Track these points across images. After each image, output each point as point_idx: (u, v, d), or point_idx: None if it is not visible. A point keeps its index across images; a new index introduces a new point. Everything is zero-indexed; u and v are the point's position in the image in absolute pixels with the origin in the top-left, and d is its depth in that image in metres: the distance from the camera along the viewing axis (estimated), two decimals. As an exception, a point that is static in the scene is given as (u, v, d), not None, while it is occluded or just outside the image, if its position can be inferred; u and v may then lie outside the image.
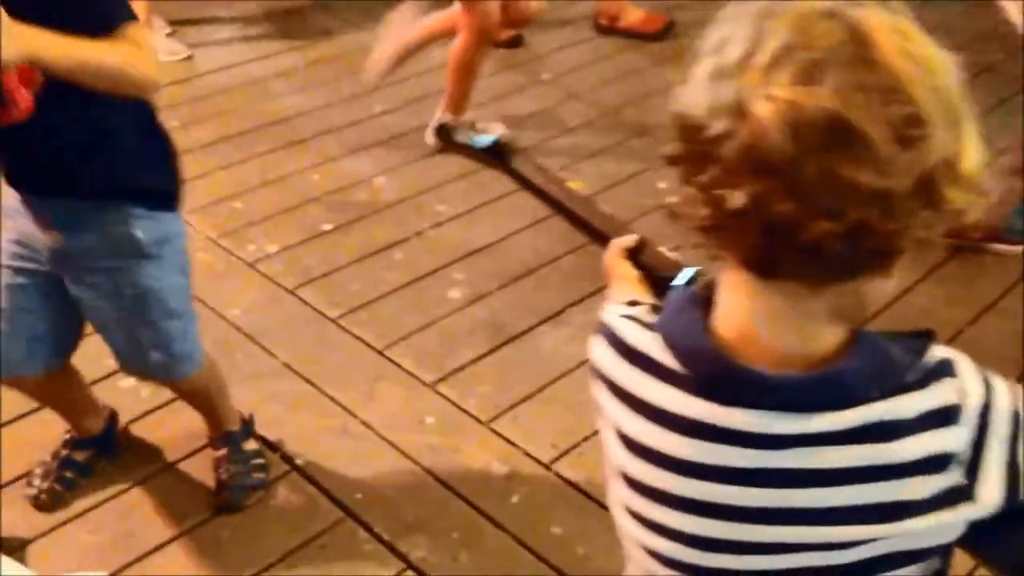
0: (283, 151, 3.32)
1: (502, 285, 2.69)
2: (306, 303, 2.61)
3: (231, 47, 4.02)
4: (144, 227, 1.65)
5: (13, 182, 1.65)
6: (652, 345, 0.83)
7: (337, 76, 3.81)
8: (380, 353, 2.44)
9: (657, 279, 1.18)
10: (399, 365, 2.40)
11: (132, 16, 1.47)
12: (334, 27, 4.19)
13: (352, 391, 2.31)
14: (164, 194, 1.69)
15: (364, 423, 2.22)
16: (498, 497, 2.03)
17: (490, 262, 2.79)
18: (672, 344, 0.82)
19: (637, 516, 0.88)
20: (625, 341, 0.86)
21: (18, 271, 1.72)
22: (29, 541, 1.93)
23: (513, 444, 2.16)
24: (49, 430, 2.11)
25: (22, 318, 1.74)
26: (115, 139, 1.59)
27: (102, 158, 1.59)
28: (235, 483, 2.01)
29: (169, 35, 3.96)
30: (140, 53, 1.44)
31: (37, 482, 2.00)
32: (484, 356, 2.43)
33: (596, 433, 2.16)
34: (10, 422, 2.19)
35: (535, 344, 2.48)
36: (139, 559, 1.89)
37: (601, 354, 0.88)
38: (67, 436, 2.06)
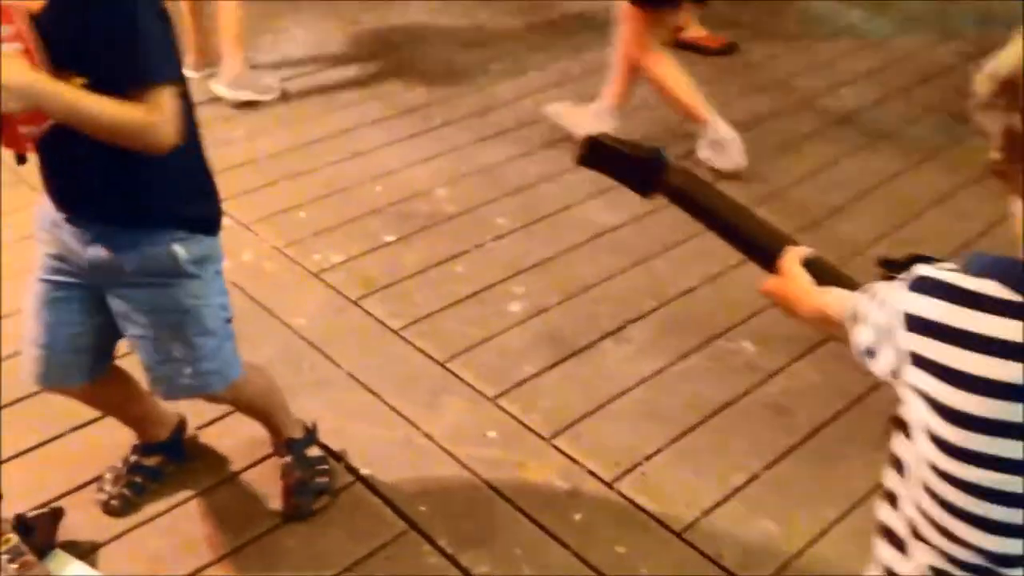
0: (347, 162, 3.36)
1: (562, 300, 2.70)
2: (369, 313, 2.64)
3: (297, 58, 4.07)
4: (185, 246, 1.68)
5: (55, 201, 1.69)
6: (988, 287, 0.90)
7: (400, 87, 3.85)
8: (442, 365, 2.45)
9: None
10: (461, 378, 2.41)
11: (165, 77, 1.51)
12: (400, 41, 4.24)
13: (415, 403, 2.32)
14: (203, 220, 1.73)
15: (427, 435, 2.23)
16: (561, 514, 2.03)
17: (550, 276, 2.80)
18: (1017, 280, 0.89)
19: (962, 472, 0.93)
20: (962, 287, 0.91)
21: (58, 285, 1.75)
22: (100, 545, 1.96)
23: (575, 461, 2.16)
24: (119, 435, 2.15)
25: (63, 332, 1.78)
26: (151, 169, 1.60)
27: (139, 188, 1.64)
28: (301, 488, 2.03)
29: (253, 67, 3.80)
30: (153, 118, 1.48)
31: (108, 487, 2.04)
32: (545, 371, 2.43)
33: (659, 452, 2.18)
34: (82, 427, 2.23)
35: (597, 360, 2.48)
36: (207, 565, 1.92)
37: (928, 304, 0.93)
38: (137, 442, 2.10)
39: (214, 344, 1.78)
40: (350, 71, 3.99)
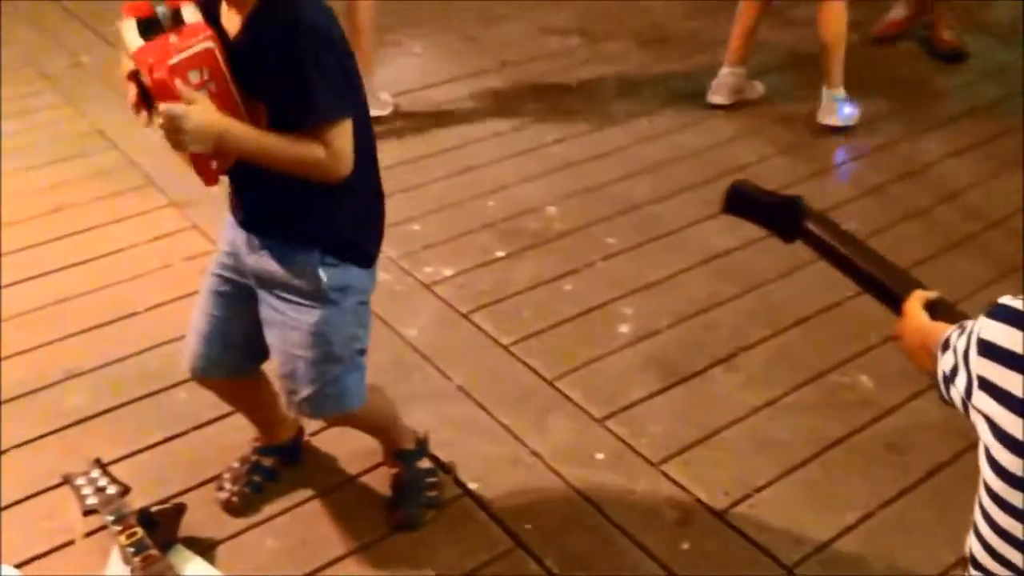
0: (459, 177, 3.40)
1: (672, 323, 2.68)
2: (479, 328, 2.67)
3: (411, 72, 4.14)
4: (330, 273, 1.74)
5: (232, 205, 1.82)
6: None
7: (514, 103, 3.89)
8: (550, 384, 2.46)
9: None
10: (569, 398, 2.41)
11: (338, 114, 1.58)
12: (515, 57, 4.28)
13: (523, 420, 2.34)
14: (356, 251, 1.78)
15: (534, 453, 2.25)
16: (668, 541, 2.02)
17: (660, 298, 2.79)
18: None
19: None
20: None
21: (224, 280, 1.86)
22: (218, 542, 2.03)
23: (684, 488, 2.14)
24: (237, 436, 2.23)
25: (219, 324, 1.88)
26: (317, 195, 1.69)
27: (303, 210, 1.71)
28: (411, 500, 2.06)
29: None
30: (326, 154, 1.59)
31: (227, 485, 2.10)
32: (654, 395, 2.42)
33: (769, 484, 2.15)
34: (202, 426, 2.32)
35: (706, 387, 2.46)
36: (318, 570, 1.97)
37: (999, 330, 0.96)
38: (256, 443, 2.16)
39: (337, 372, 1.81)
40: (464, 86, 4.05)
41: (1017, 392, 0.93)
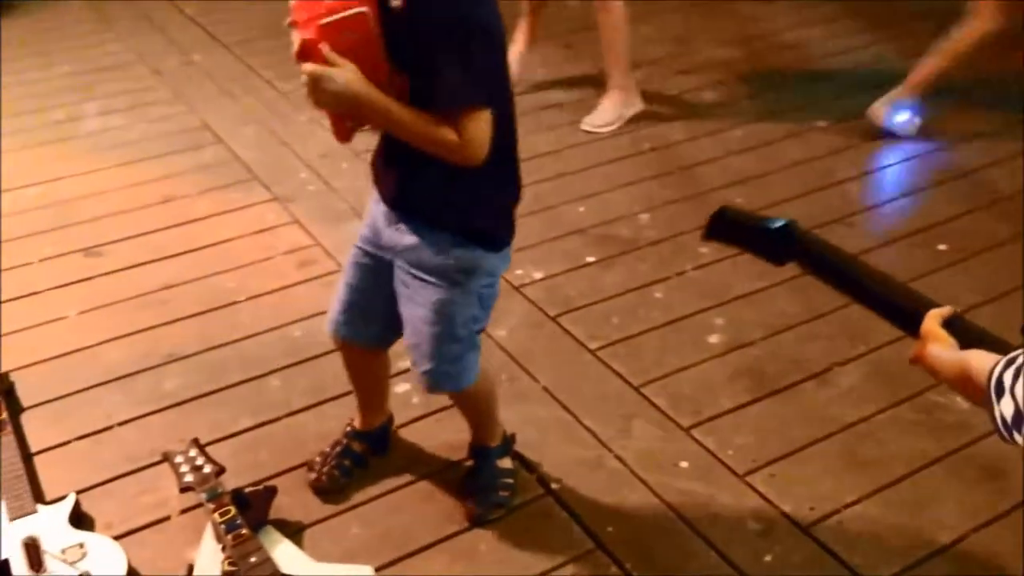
0: (551, 182, 3.42)
1: (765, 335, 2.65)
2: (567, 331, 2.68)
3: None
4: (461, 256, 1.78)
5: (374, 181, 1.88)
6: None
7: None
8: (636, 390, 2.46)
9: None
10: (655, 404, 2.40)
11: (476, 104, 1.61)
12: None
13: (607, 424, 2.34)
14: (487, 236, 1.81)
15: (618, 457, 2.24)
16: (752, 553, 1.99)
17: (753, 310, 2.75)
18: None
19: None
20: None
21: (364, 253, 1.93)
22: (306, 526, 2.08)
23: (769, 501, 2.11)
24: (328, 424, 2.29)
25: (357, 294, 1.96)
26: (460, 182, 1.72)
27: (439, 192, 1.75)
28: (482, 497, 2.09)
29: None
30: (459, 141, 1.61)
31: (318, 467, 2.16)
32: (743, 406, 2.40)
33: (859, 501, 2.11)
34: (293, 414, 2.38)
35: (798, 401, 2.42)
36: (402, 559, 2.00)
37: None
38: (348, 428, 2.21)
39: (457, 351, 1.88)
40: (559, 93, 4.07)
41: None
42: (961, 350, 1.19)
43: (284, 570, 1.87)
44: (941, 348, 1.21)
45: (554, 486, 2.16)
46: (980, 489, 2.15)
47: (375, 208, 1.88)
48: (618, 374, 2.51)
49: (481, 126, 1.62)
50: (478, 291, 1.86)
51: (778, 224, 1.50)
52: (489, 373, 2.05)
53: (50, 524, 2.03)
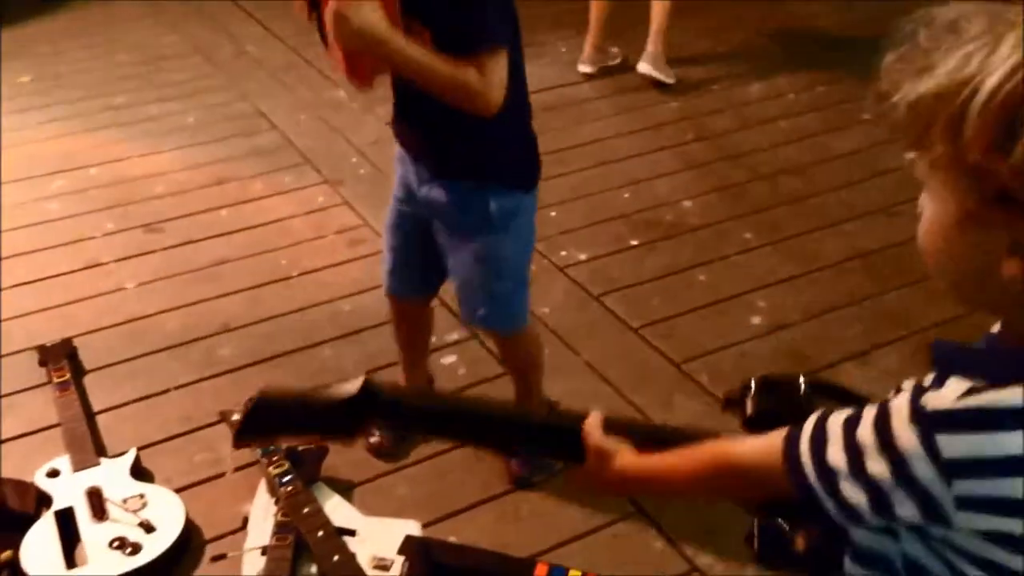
0: (597, 169, 3.48)
1: (807, 318, 2.68)
2: (609, 310, 2.73)
3: (557, 70, 4.25)
4: (498, 202, 1.84)
5: (400, 141, 1.94)
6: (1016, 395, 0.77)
7: (652, 102, 3.94)
8: (678, 367, 2.50)
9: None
10: (697, 381, 2.45)
11: (497, 42, 1.64)
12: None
13: (649, 399, 2.39)
14: (521, 175, 1.88)
15: (659, 429, 2.29)
16: (789, 520, 2.03)
17: (796, 293, 2.79)
18: None
19: None
20: (993, 407, 0.78)
21: (399, 213, 2.02)
22: (355, 485, 2.15)
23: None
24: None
25: (397, 253, 2.06)
26: (481, 129, 1.76)
27: (467, 144, 1.81)
28: (526, 460, 2.15)
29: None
30: (480, 83, 1.62)
31: (377, 431, 2.21)
32: (783, 383, 2.43)
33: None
34: (343, 380, 2.45)
35: (837, 379, 2.43)
36: (447, 516, 2.07)
37: (962, 442, 0.78)
38: (399, 394, 2.29)
39: (507, 292, 1.97)
40: (605, 85, 4.13)
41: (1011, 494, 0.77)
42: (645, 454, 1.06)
43: (335, 522, 1.95)
44: (633, 456, 1.07)
45: (596, 453, 2.21)
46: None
47: (404, 168, 1.93)
48: (660, 351, 2.56)
49: (502, 66, 1.64)
50: (519, 231, 1.92)
51: (353, 388, 1.15)
52: (535, 326, 2.13)
53: (112, 476, 2.12)
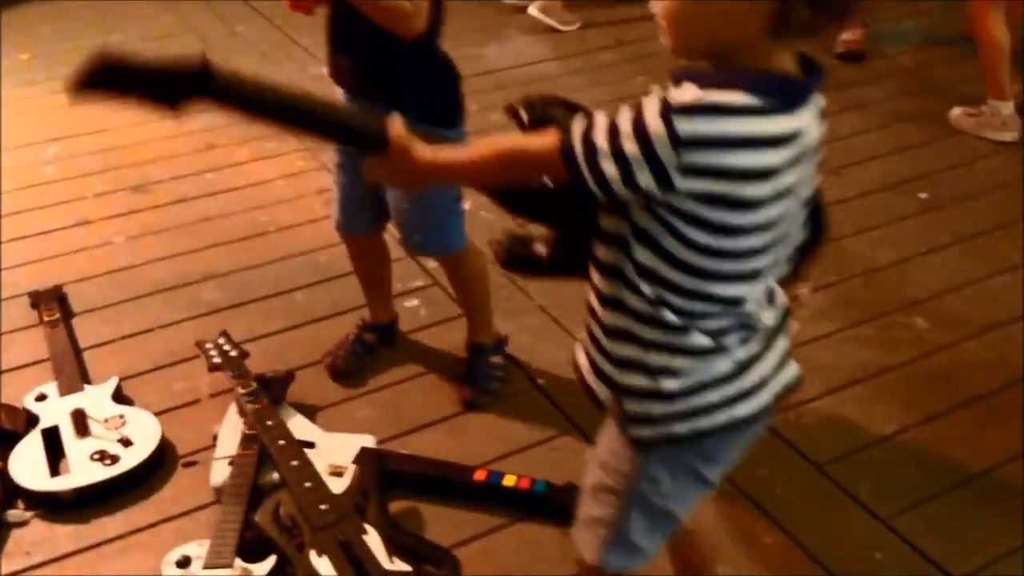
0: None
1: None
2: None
3: (528, 46, 4.45)
4: (421, 133, 2.00)
5: (335, 77, 2.12)
6: (737, 97, 1.11)
7: (624, 76, 4.13)
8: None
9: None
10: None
11: None
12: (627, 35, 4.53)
13: (595, 336, 2.57)
14: (448, 113, 2.06)
15: (602, 363, 2.48)
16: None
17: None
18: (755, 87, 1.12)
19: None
20: (717, 102, 1.10)
21: (340, 151, 2.20)
22: (320, 408, 2.35)
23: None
24: (346, 329, 2.54)
25: (343, 189, 2.25)
26: (409, 60, 1.98)
27: (398, 76, 1.99)
28: (475, 386, 2.35)
29: (566, 7, 4.62)
30: (410, 6, 1.86)
31: (334, 353, 2.45)
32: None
33: (816, 399, 2.35)
34: (317, 320, 2.66)
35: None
36: (402, 434, 2.26)
37: (695, 123, 1.09)
38: (360, 322, 2.51)
39: (439, 217, 2.17)
40: (577, 62, 4.32)
41: (732, 164, 1.09)
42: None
43: (297, 436, 2.14)
44: (431, 148, 1.33)
45: (540, 381, 2.41)
46: (928, 392, 2.36)
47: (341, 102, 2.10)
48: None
49: None
50: None
51: (192, 62, 1.25)
52: (479, 250, 2.29)
53: (95, 399, 2.32)
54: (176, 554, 1.89)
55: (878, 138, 3.60)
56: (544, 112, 1.31)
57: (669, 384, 1.24)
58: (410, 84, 2.01)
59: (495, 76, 4.11)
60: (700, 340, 1.22)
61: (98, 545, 2.03)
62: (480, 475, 2.08)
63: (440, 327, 2.61)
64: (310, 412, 2.32)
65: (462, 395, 2.34)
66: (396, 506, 2.06)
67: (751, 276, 1.20)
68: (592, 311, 1.30)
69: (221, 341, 2.39)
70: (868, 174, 3.35)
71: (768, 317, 1.28)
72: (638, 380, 1.26)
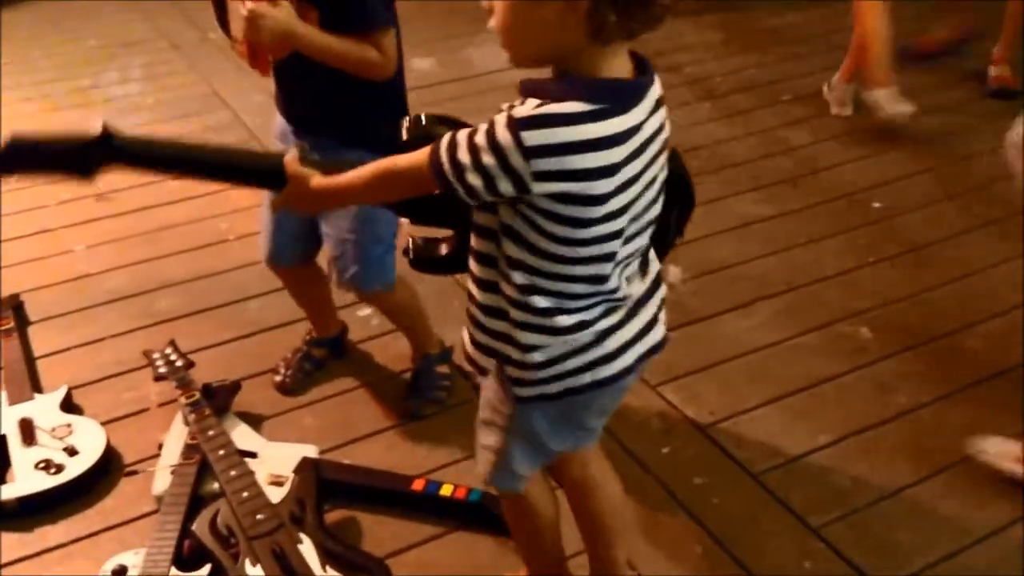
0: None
1: (696, 275, 2.89)
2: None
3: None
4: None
5: (284, 115, 2.14)
6: (573, 106, 1.25)
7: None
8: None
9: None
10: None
11: (387, 24, 1.90)
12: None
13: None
14: (392, 144, 2.06)
15: (549, 372, 2.50)
16: (651, 446, 2.25)
17: (688, 255, 2.99)
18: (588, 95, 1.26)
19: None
20: (556, 112, 1.23)
21: None
22: (266, 418, 2.37)
23: (674, 406, 2.37)
24: (296, 339, 2.57)
25: (276, 219, 2.24)
26: (359, 97, 1.99)
27: (346, 111, 2.01)
28: (418, 395, 2.38)
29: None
30: (378, 57, 1.89)
31: (282, 370, 2.47)
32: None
33: (756, 408, 2.37)
34: (265, 331, 2.68)
35: (717, 328, 2.66)
36: (345, 444, 2.28)
37: (540, 134, 1.21)
38: (307, 336, 2.52)
39: (379, 252, 2.16)
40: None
41: (581, 165, 1.21)
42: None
43: (239, 446, 2.16)
44: (322, 177, 1.49)
45: (485, 390, 2.43)
46: (867, 401, 2.39)
47: (288, 143, 2.06)
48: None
49: (393, 42, 1.91)
50: None
51: (94, 131, 1.42)
52: (405, 283, 2.31)
53: (43, 408, 2.34)
54: (112, 563, 1.92)
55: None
56: (429, 129, 1.44)
57: (537, 357, 1.39)
58: (368, 125, 2.00)
59: (486, 79, 4.12)
60: (564, 321, 1.36)
61: (39, 553, 2.05)
62: (418, 485, 2.11)
63: (391, 336, 2.62)
64: (256, 422, 2.34)
65: (405, 406, 2.37)
66: (334, 515, 2.08)
67: (609, 257, 1.33)
68: (470, 295, 1.47)
69: (168, 351, 2.41)
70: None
71: (636, 289, 1.43)
72: (511, 351, 1.41)
